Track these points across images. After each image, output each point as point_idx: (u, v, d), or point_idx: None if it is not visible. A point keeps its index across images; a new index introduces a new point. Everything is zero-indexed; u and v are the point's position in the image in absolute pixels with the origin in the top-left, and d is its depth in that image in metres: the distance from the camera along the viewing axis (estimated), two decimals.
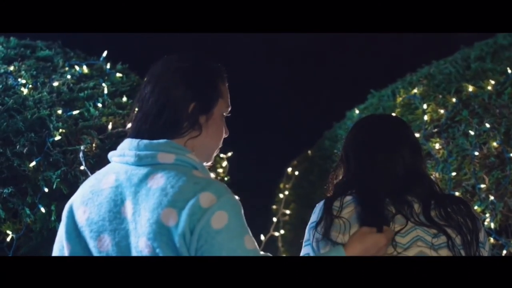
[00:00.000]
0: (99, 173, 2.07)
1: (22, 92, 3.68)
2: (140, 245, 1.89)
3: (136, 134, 2.03)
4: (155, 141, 1.98)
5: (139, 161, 1.96)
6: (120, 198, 1.95)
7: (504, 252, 3.63)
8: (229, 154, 4.47)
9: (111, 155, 2.07)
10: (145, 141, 1.98)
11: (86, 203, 2.00)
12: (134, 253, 1.91)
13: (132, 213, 1.92)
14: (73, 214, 2.03)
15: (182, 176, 1.92)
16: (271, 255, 1.97)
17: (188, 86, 2.04)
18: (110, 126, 3.64)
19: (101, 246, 1.94)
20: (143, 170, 1.95)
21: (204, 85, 2.08)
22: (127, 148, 2.00)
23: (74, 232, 2.01)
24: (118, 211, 1.94)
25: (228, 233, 1.87)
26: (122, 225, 1.93)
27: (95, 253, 1.96)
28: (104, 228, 1.95)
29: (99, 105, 3.79)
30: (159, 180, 1.91)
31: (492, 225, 3.62)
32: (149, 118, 2.02)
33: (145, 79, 2.10)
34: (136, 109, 2.07)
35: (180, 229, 1.84)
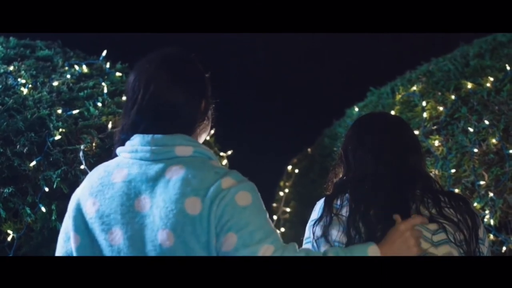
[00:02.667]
0: (108, 165, 2.06)
1: (22, 92, 3.68)
2: (160, 237, 1.90)
3: (145, 129, 2.02)
4: (169, 135, 1.99)
5: (155, 156, 1.97)
6: (133, 192, 1.95)
7: (504, 248, 3.64)
8: (229, 152, 4.48)
9: (120, 150, 2.06)
10: (159, 136, 1.99)
11: (95, 195, 2.00)
12: (149, 247, 1.91)
13: (150, 207, 1.92)
14: (81, 206, 2.02)
15: (202, 166, 1.97)
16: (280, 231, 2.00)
17: (199, 83, 2.10)
18: (110, 125, 3.64)
19: (112, 239, 1.95)
20: (159, 164, 1.96)
21: (207, 78, 2.14)
22: (139, 144, 2.00)
23: (83, 224, 2.01)
24: (132, 205, 1.95)
25: (254, 210, 1.92)
26: (135, 219, 1.94)
27: (105, 246, 1.96)
28: (116, 221, 1.95)
29: (99, 104, 3.79)
30: (178, 171, 1.93)
31: (492, 222, 3.63)
32: (162, 116, 2.02)
33: (142, 74, 2.07)
34: (134, 103, 2.04)
35: (204, 215, 1.88)
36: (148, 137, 2.00)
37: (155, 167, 1.96)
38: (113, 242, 1.95)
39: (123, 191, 1.97)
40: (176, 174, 1.93)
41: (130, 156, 2.02)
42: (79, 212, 2.03)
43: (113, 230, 1.95)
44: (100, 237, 1.97)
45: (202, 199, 1.89)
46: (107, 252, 1.97)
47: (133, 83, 2.06)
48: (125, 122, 2.08)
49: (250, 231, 1.89)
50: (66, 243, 2.06)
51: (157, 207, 1.91)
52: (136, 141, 2.02)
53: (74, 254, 2.02)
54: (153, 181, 1.95)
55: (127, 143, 2.05)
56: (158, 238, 1.90)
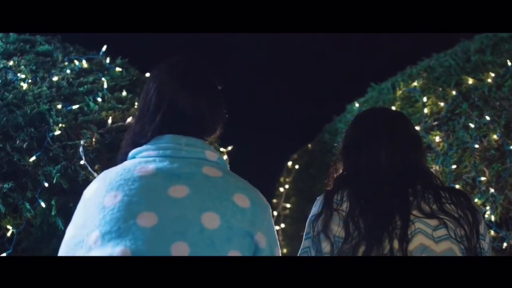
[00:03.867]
0: (125, 165, 2.08)
1: (22, 87, 3.67)
2: (204, 219, 1.96)
3: (170, 130, 2.11)
4: (196, 139, 2.11)
5: (186, 154, 2.07)
6: (166, 182, 2.00)
7: (505, 244, 3.63)
8: (229, 148, 4.48)
9: (139, 150, 2.10)
10: (191, 137, 2.10)
11: (116, 188, 1.99)
12: (187, 227, 1.94)
13: (187, 193, 1.98)
14: (97, 204, 1.99)
15: (231, 172, 2.14)
16: None
17: (220, 91, 2.23)
18: (109, 121, 3.63)
19: (143, 222, 1.92)
20: (191, 162, 2.06)
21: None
22: (170, 142, 2.08)
23: (98, 220, 1.96)
24: (165, 192, 1.98)
25: None
26: (170, 204, 1.96)
27: (132, 229, 1.92)
28: (146, 206, 1.95)
29: (99, 99, 3.79)
30: (215, 172, 2.07)
31: (493, 218, 3.63)
32: (188, 123, 2.12)
33: (164, 82, 2.15)
34: (160, 107, 2.13)
35: (255, 213, 2.05)
36: (179, 136, 2.10)
37: (189, 164, 2.05)
38: (143, 224, 1.92)
39: (153, 182, 1.99)
40: (215, 173, 2.06)
41: (156, 154, 2.07)
42: (96, 213, 1.98)
43: (143, 213, 1.94)
44: (127, 223, 1.92)
45: (250, 198, 2.06)
46: (136, 234, 1.92)
47: (156, 90, 2.16)
48: (145, 126, 2.15)
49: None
50: (77, 246, 1.98)
51: (199, 193, 1.99)
52: (165, 139, 2.10)
53: (92, 252, 1.96)
54: (189, 174, 2.02)
55: (151, 143, 2.11)
56: (201, 219, 1.95)
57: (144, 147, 2.10)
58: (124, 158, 2.15)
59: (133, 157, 2.11)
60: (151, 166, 2.03)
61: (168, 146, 2.07)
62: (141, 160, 2.07)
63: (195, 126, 2.13)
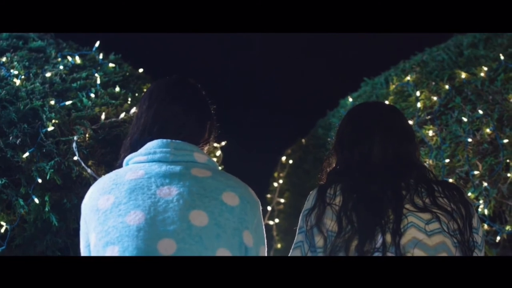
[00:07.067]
0: (118, 171, 2.16)
1: (15, 83, 3.66)
2: (192, 216, 2.01)
3: (159, 136, 2.21)
4: (184, 143, 2.18)
5: (175, 157, 2.14)
6: (154, 185, 2.06)
7: (498, 238, 3.65)
8: (223, 143, 4.48)
9: (129, 158, 2.19)
10: (178, 141, 2.17)
11: (109, 192, 2.07)
12: (173, 226, 1.98)
13: (176, 193, 2.04)
14: (93, 208, 2.08)
15: (224, 173, 2.19)
16: None
17: (208, 109, 2.37)
18: (103, 116, 3.63)
19: (131, 220, 2.00)
20: (179, 165, 2.12)
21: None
22: (157, 146, 2.16)
23: (97, 221, 2.06)
24: (153, 193, 2.04)
25: None
26: (158, 203, 2.02)
27: (120, 228, 1.99)
28: (135, 205, 2.02)
29: (92, 95, 3.78)
30: (204, 172, 2.13)
31: (486, 212, 3.64)
32: (177, 125, 2.23)
33: (154, 103, 2.27)
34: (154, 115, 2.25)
35: (245, 210, 2.10)
36: (167, 140, 2.16)
37: (177, 167, 2.11)
38: (132, 222, 1.99)
39: (142, 184, 2.06)
40: (204, 174, 2.12)
41: (145, 159, 2.14)
42: (92, 215, 2.08)
43: (132, 212, 2.01)
44: (116, 222, 2.01)
45: (239, 196, 2.11)
46: (122, 232, 1.99)
47: (148, 100, 2.29)
48: (137, 133, 2.26)
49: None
50: (87, 248, 2.11)
51: (187, 193, 2.04)
52: (153, 144, 2.17)
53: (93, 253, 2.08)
54: (178, 175, 2.08)
55: (142, 149, 2.18)
56: (188, 217, 2.00)
57: (135, 153, 2.18)
58: (121, 164, 2.24)
59: (127, 164, 2.19)
60: (141, 172, 2.10)
61: (156, 151, 2.14)
62: (132, 166, 2.15)
63: (184, 132, 2.22)
